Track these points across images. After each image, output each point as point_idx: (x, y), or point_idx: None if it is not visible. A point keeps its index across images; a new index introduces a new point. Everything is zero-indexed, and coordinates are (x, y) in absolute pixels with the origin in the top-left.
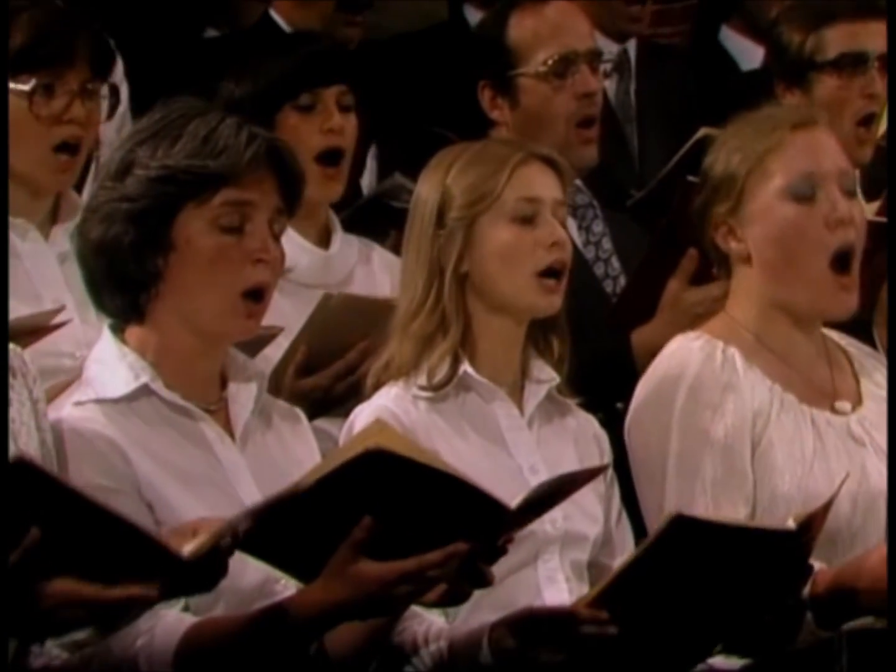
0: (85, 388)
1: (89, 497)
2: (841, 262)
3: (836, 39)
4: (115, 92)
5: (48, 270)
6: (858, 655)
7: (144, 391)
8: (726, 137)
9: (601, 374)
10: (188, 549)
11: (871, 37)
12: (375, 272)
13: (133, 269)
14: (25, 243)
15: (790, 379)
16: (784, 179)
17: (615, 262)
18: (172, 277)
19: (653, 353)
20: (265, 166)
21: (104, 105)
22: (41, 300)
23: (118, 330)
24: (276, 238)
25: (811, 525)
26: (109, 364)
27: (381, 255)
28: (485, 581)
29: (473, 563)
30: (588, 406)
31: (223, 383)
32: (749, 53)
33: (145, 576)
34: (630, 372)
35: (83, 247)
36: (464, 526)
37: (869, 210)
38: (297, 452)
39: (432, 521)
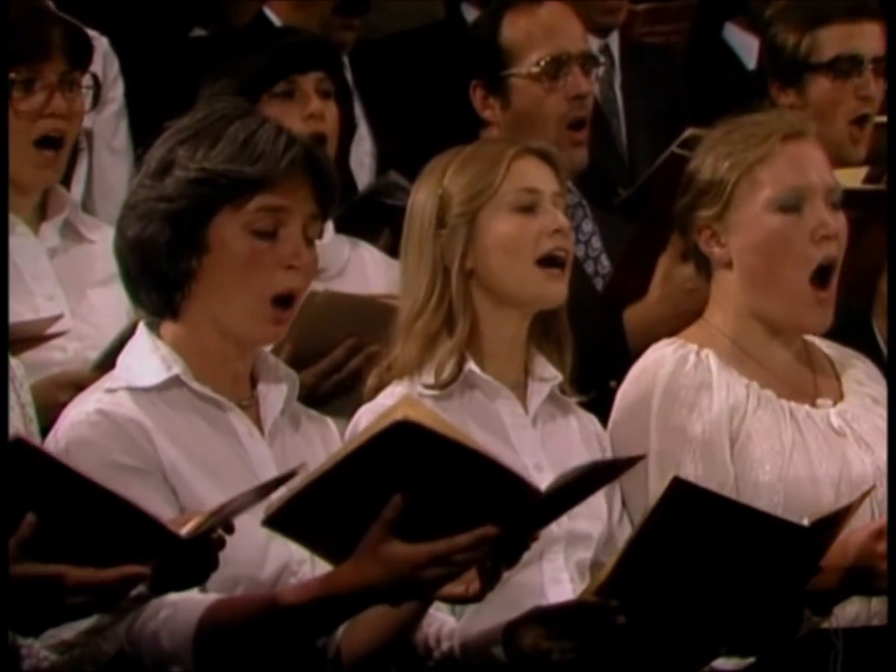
0: (117, 377)
1: (83, 475)
2: (821, 276)
3: (830, 41)
4: (96, 81)
5: (38, 265)
6: (854, 654)
7: (175, 382)
8: (715, 141)
9: (594, 355)
10: (184, 530)
11: (866, 38)
12: (367, 269)
13: (167, 267)
14: (14, 238)
15: (768, 379)
16: (772, 191)
17: (604, 261)
18: (205, 278)
19: (647, 329)
20: (301, 172)
21: (88, 95)
22: (32, 295)
23: (154, 327)
24: (310, 243)
25: (826, 526)
26: (142, 356)
27: (371, 253)
28: (498, 577)
29: (498, 556)
30: (582, 384)
31: (254, 383)
32: (753, 50)
33: (140, 558)
34: (623, 351)
35: (121, 243)
36: (493, 508)
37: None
38: (325, 456)
39: (461, 501)
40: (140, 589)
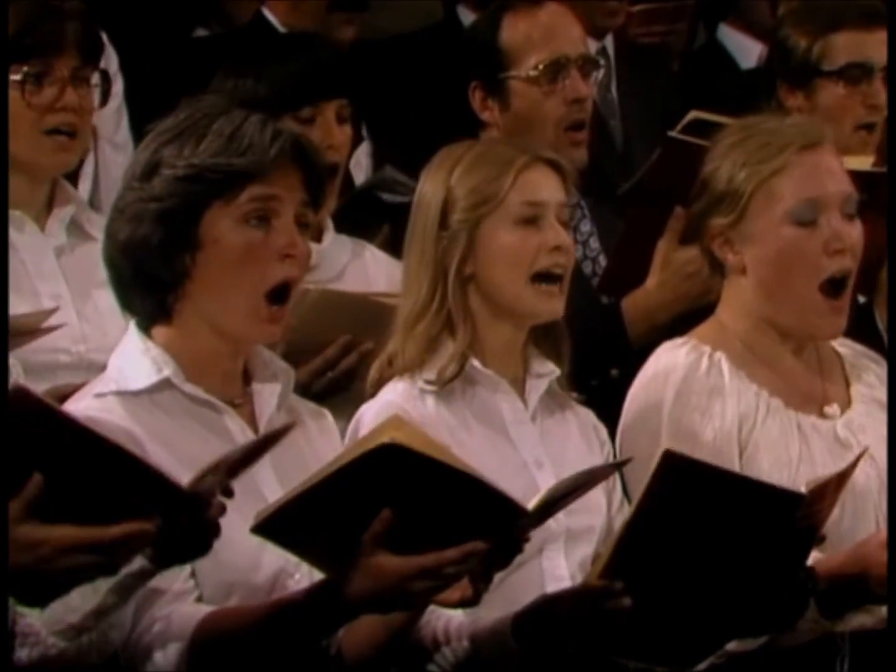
0: (107, 380)
1: (87, 426)
2: (834, 287)
3: (842, 48)
4: (105, 78)
5: (45, 264)
6: (861, 657)
7: (166, 384)
8: (729, 148)
9: (594, 345)
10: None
11: (877, 47)
12: (369, 270)
13: (161, 269)
14: (22, 235)
15: (777, 385)
16: (789, 203)
17: (602, 261)
18: (200, 277)
19: (647, 316)
20: (290, 162)
21: (96, 92)
22: (38, 294)
23: (145, 327)
24: (305, 229)
25: (823, 493)
26: (132, 358)
27: (373, 254)
28: (489, 581)
29: (488, 562)
30: (583, 374)
31: (247, 381)
32: (747, 51)
33: (143, 516)
34: (622, 339)
35: (111, 248)
36: (480, 523)
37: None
38: (322, 450)
39: (449, 516)
40: (143, 563)
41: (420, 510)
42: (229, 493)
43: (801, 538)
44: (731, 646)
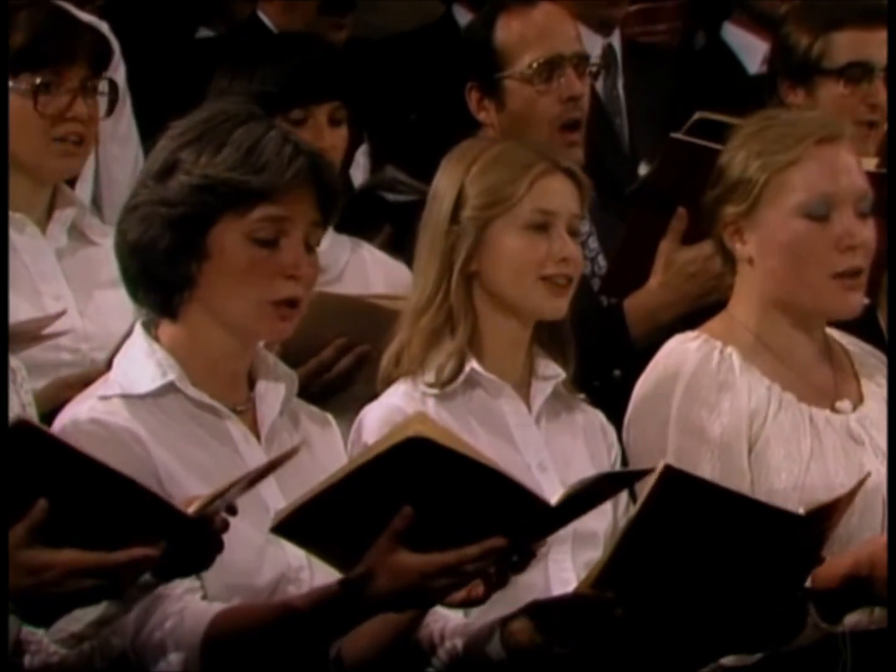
0: (112, 383)
1: (90, 456)
2: (846, 276)
3: (843, 47)
4: (113, 88)
5: (46, 265)
6: (861, 656)
7: (171, 388)
8: (747, 137)
9: (596, 345)
10: (190, 509)
11: (878, 46)
12: (368, 271)
13: (167, 273)
14: (23, 237)
15: (790, 379)
16: (802, 196)
17: (601, 261)
18: (205, 283)
19: (649, 316)
20: (305, 182)
21: (103, 101)
22: (40, 294)
23: (151, 327)
24: (311, 251)
25: (823, 515)
26: (138, 360)
27: (372, 254)
28: (505, 583)
29: (505, 564)
30: (585, 375)
31: (252, 384)
32: (752, 51)
33: (148, 541)
34: (625, 340)
35: (121, 244)
36: (501, 521)
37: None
38: (324, 456)
39: (471, 514)
40: (146, 577)
41: (440, 506)
42: (233, 511)
43: (801, 558)
44: (728, 660)
